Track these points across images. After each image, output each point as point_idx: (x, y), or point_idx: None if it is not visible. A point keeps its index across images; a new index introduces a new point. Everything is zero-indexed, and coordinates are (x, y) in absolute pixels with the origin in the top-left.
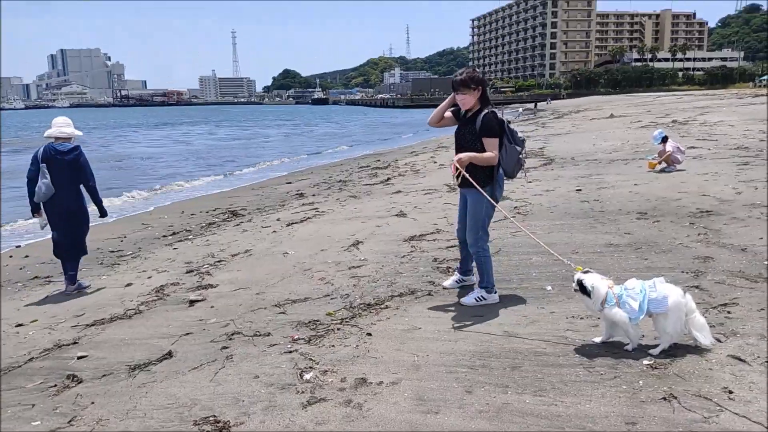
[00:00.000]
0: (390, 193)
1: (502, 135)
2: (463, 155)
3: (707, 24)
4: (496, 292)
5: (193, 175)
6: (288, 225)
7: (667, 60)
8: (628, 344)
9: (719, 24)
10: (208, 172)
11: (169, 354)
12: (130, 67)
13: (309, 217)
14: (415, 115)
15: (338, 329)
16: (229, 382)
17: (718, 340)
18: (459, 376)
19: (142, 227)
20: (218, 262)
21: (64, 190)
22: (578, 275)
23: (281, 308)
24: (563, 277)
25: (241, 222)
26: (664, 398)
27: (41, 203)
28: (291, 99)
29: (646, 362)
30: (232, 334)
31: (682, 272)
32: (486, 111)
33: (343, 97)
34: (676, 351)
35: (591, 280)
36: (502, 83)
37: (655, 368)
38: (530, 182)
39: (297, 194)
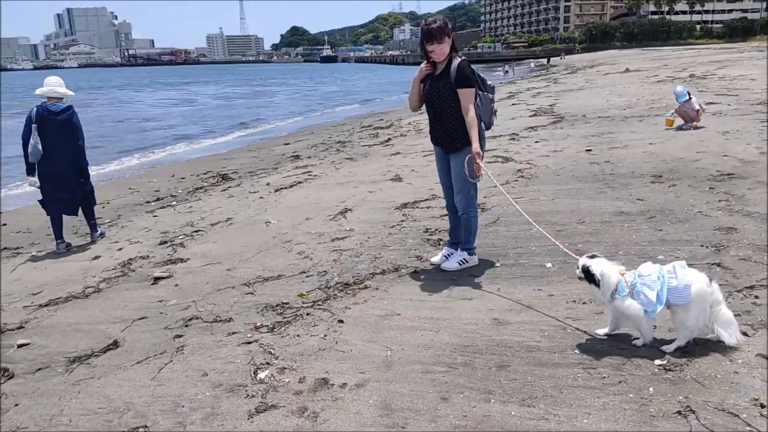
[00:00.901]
0: (388, 155)
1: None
2: (474, 149)
3: None
4: (476, 254)
5: (193, 137)
6: (276, 190)
7: (684, 12)
8: (637, 339)
9: None
10: (209, 133)
11: (115, 344)
12: (137, 26)
13: (300, 182)
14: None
15: (308, 314)
16: (173, 380)
17: (745, 334)
18: (435, 378)
19: (128, 192)
20: (195, 232)
21: (58, 151)
22: (583, 260)
23: (251, 287)
24: (566, 252)
25: (230, 186)
26: (680, 412)
27: (35, 164)
28: (300, 57)
29: (658, 363)
30: (190, 320)
31: (701, 246)
32: (459, 59)
33: (352, 54)
34: (693, 348)
35: (599, 266)
36: (515, 38)
37: (669, 370)
38: (537, 142)
39: (292, 156)
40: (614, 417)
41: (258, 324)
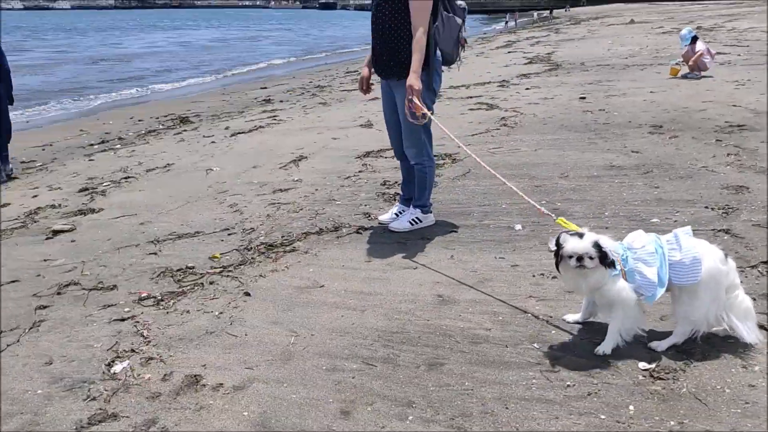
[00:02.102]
0: (366, 99)
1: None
2: (412, 81)
3: None
4: (432, 212)
5: (171, 78)
6: (232, 135)
7: None
8: (608, 341)
9: None
10: (189, 74)
11: None
12: None
13: (261, 126)
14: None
15: (211, 283)
16: (7, 369)
17: (762, 327)
18: (342, 379)
19: (77, 134)
20: (125, 178)
21: None
22: (575, 243)
23: (157, 246)
24: (541, 212)
25: (185, 130)
26: None
27: None
28: (298, 3)
29: (644, 366)
30: (67, 285)
31: (706, 208)
32: None
33: (352, 1)
34: (691, 345)
35: (607, 241)
36: None
37: (659, 378)
38: (528, 89)
39: (264, 100)
40: None
41: (144, 294)
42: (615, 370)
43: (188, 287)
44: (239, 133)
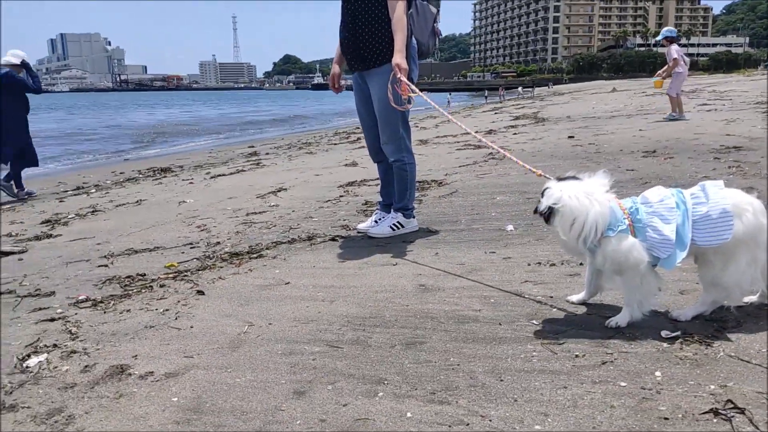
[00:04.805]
0: (352, 148)
1: None
2: (398, 60)
3: (711, 10)
4: (415, 217)
5: (168, 141)
6: (212, 177)
7: None
8: (624, 312)
9: (724, 11)
10: (184, 138)
11: None
12: (131, 52)
13: (242, 170)
14: (417, 100)
15: (162, 286)
16: None
17: None
18: (300, 362)
19: (55, 185)
20: (93, 212)
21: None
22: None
23: (110, 260)
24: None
25: (165, 177)
26: (715, 411)
27: None
28: (291, 84)
29: (666, 334)
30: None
31: None
32: None
33: (344, 82)
34: (722, 313)
35: (568, 189)
36: (504, 68)
37: (689, 342)
38: (515, 134)
39: (250, 154)
40: (593, 420)
41: (82, 297)
42: (632, 340)
43: (135, 291)
44: (219, 175)
